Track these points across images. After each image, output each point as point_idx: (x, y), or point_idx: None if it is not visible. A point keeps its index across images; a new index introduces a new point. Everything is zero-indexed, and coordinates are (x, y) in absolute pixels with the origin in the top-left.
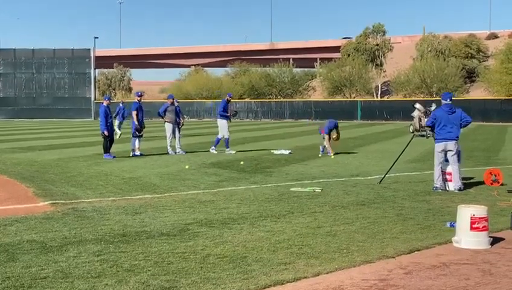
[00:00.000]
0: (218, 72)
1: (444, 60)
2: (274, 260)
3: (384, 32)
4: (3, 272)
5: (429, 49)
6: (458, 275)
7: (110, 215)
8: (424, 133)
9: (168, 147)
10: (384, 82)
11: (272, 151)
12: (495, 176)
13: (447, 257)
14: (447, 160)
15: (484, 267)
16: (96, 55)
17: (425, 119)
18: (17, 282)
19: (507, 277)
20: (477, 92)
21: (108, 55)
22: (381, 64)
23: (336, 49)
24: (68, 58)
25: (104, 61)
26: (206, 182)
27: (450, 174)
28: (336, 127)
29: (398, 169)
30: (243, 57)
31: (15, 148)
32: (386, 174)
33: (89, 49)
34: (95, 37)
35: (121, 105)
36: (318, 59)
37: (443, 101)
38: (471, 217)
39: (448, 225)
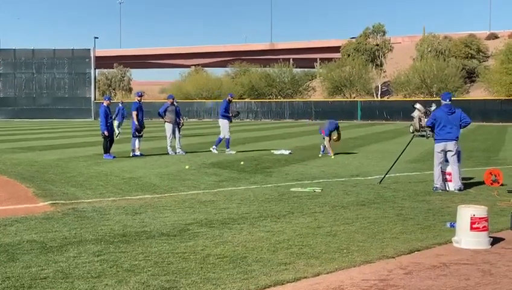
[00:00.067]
0: (218, 72)
1: (444, 60)
2: (274, 260)
3: (384, 33)
4: (3, 272)
5: (429, 49)
6: (458, 275)
7: (110, 216)
8: (424, 133)
9: (168, 147)
10: (384, 82)
11: (272, 151)
12: (495, 176)
13: (447, 257)
14: (447, 160)
15: (484, 267)
16: (96, 55)
17: (425, 120)
18: (17, 282)
19: (507, 277)
20: (477, 92)
21: (108, 55)
22: (381, 65)
23: (336, 49)
24: (68, 59)
25: (104, 62)
26: (206, 182)
27: (450, 174)
28: (337, 128)
29: (398, 169)
30: (243, 57)
31: (15, 148)
32: (386, 174)
33: (89, 49)
34: (95, 37)
35: (120, 105)
36: (318, 59)
37: (443, 102)
38: (471, 217)
39: (448, 225)
